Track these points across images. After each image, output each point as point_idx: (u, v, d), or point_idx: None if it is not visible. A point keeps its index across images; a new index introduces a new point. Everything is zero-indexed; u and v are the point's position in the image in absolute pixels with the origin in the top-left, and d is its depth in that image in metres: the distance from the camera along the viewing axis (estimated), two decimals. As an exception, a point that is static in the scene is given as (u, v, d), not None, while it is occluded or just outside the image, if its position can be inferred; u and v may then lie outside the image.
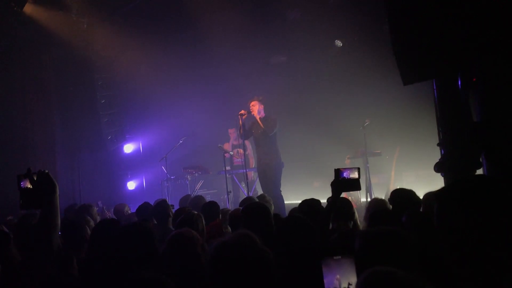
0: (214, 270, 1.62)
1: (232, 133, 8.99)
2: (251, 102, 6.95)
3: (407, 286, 1.21)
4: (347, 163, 8.35)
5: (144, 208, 4.79)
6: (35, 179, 2.00)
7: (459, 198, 1.35)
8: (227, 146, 8.69)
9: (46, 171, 2.02)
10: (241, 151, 7.82)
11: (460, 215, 1.32)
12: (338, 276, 1.50)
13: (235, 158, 8.60)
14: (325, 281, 1.48)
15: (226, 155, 8.11)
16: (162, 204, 4.26)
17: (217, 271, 1.61)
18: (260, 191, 7.37)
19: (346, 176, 2.96)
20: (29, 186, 2.00)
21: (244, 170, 7.07)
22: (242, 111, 6.70)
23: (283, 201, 6.54)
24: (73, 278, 2.41)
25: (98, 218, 4.62)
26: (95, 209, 4.45)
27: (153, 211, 4.36)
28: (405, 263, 1.42)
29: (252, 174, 8.48)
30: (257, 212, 3.04)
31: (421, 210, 3.47)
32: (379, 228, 1.91)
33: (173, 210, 4.29)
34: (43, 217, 2.03)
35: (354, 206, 3.72)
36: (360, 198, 7.65)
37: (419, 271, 1.40)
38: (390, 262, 1.35)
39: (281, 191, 6.64)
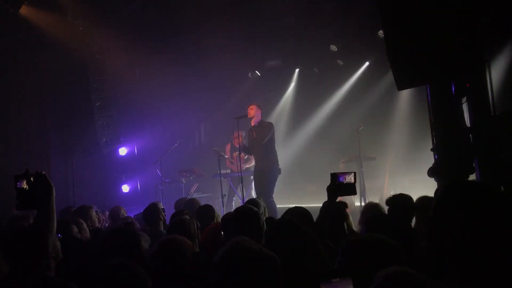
0: (223, 280, 1.61)
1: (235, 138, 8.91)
2: (249, 105, 7.01)
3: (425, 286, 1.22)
4: (341, 167, 8.38)
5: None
6: (32, 180, 2.00)
7: (458, 200, 1.39)
8: (228, 148, 8.65)
9: (43, 172, 2.02)
10: (235, 155, 7.80)
11: (458, 215, 1.36)
12: None
13: (229, 162, 8.57)
14: None
15: (221, 157, 8.09)
16: (151, 208, 4.23)
17: (226, 280, 1.60)
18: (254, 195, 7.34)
19: (342, 181, 2.98)
20: (26, 187, 2.00)
21: (239, 174, 7.06)
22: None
23: (274, 208, 6.43)
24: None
25: (97, 221, 4.59)
26: (94, 212, 4.41)
27: (143, 215, 4.32)
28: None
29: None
30: (247, 215, 3.04)
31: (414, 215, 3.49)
32: (362, 236, 1.91)
33: (164, 213, 4.29)
34: (39, 219, 2.03)
35: (349, 211, 3.74)
36: (354, 202, 7.67)
37: None
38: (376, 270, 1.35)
39: (272, 197, 6.57)
